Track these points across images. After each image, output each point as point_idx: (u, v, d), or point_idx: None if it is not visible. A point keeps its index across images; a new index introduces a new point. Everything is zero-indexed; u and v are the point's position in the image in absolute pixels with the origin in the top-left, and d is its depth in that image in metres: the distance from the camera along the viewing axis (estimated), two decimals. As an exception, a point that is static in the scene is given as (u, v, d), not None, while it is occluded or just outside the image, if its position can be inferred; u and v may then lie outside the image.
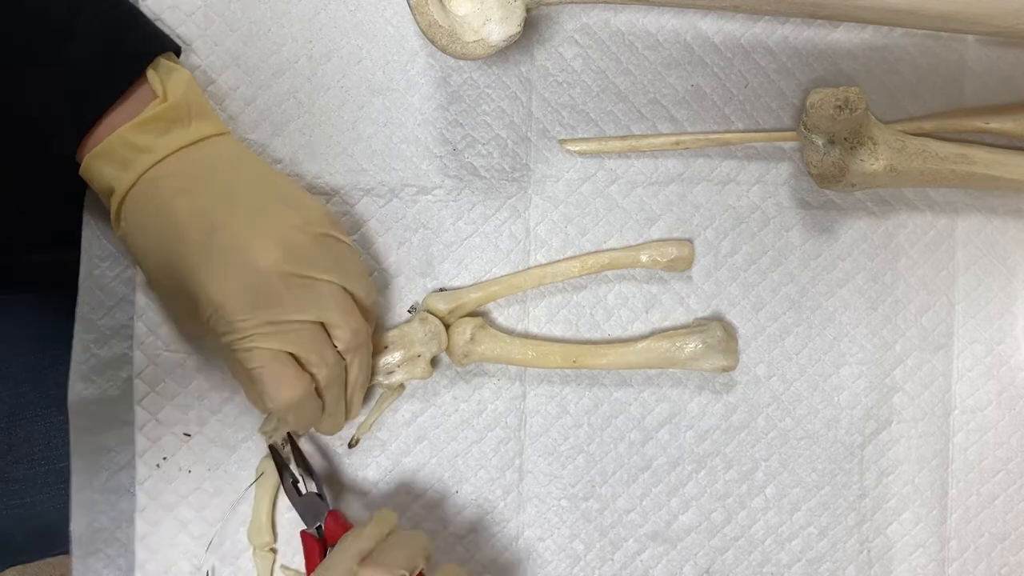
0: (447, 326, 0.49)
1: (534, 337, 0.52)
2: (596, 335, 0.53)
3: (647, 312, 0.53)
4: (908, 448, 0.56)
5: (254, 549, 0.49)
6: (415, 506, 0.51)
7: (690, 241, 0.53)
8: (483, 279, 0.51)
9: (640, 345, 0.51)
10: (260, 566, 0.49)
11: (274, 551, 0.49)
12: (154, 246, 0.42)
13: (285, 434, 0.48)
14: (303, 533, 0.47)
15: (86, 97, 0.41)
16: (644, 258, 0.52)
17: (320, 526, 0.47)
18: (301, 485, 0.47)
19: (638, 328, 0.53)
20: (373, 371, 0.48)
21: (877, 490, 0.56)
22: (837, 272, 0.55)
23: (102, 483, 0.48)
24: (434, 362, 0.50)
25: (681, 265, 0.52)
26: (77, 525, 0.47)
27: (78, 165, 0.42)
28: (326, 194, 0.49)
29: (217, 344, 0.42)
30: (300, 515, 0.47)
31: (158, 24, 0.46)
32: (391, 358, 0.48)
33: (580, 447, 0.53)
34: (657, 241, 0.53)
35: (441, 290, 0.51)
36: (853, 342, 0.55)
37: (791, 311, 0.55)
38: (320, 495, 0.48)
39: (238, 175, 0.43)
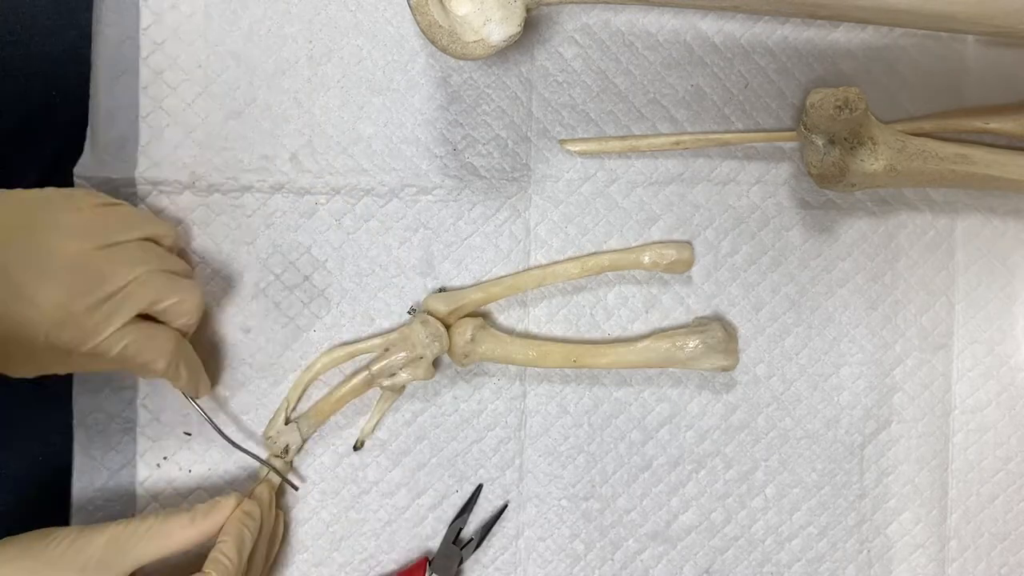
0: (448, 327, 0.49)
1: (534, 337, 0.52)
2: (596, 335, 0.53)
3: (647, 312, 0.53)
4: (908, 448, 0.56)
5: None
6: (415, 506, 0.51)
7: (690, 243, 0.53)
8: (483, 279, 0.51)
9: (640, 345, 0.51)
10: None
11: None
12: None
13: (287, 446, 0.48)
14: None
15: None
16: (646, 259, 0.52)
17: None
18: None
19: (638, 328, 0.53)
20: (377, 374, 0.48)
21: (877, 490, 0.56)
22: (837, 272, 0.55)
23: (102, 483, 0.48)
24: (436, 363, 0.50)
25: (680, 268, 0.52)
26: (77, 524, 0.47)
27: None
28: (326, 194, 0.49)
29: (57, 358, 0.40)
30: None
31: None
32: (393, 360, 0.48)
33: (580, 447, 0.53)
34: (657, 243, 0.53)
35: (441, 290, 0.51)
36: (853, 342, 0.55)
37: (791, 311, 0.55)
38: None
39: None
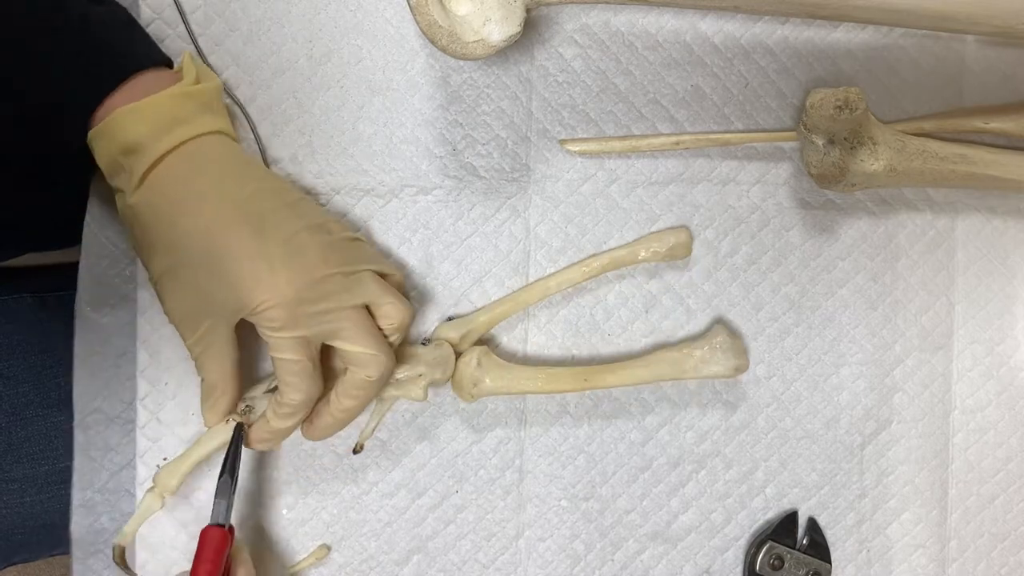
0: (456, 355, 0.49)
1: (540, 363, 0.52)
2: (596, 335, 0.53)
3: (647, 312, 0.53)
4: (908, 448, 0.56)
5: (152, 488, 0.45)
6: (415, 506, 0.51)
7: (686, 227, 0.53)
8: (483, 279, 0.51)
9: (648, 359, 0.51)
10: (144, 506, 0.45)
11: (163, 505, 0.45)
12: (191, 222, 0.40)
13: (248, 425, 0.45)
14: (207, 529, 0.43)
15: (112, 62, 0.40)
16: (643, 253, 0.51)
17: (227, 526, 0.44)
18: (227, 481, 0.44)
19: (638, 328, 0.53)
20: None
21: (877, 490, 0.56)
22: (837, 272, 0.55)
23: (102, 483, 0.48)
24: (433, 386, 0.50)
25: (681, 252, 0.52)
26: (77, 526, 0.47)
27: (78, 157, 0.41)
28: (326, 194, 0.49)
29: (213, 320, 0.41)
30: (216, 505, 0.44)
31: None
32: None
33: (580, 447, 0.53)
34: (653, 233, 0.52)
35: (450, 319, 0.50)
36: (853, 342, 0.55)
37: (791, 311, 0.55)
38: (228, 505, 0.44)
39: (269, 172, 0.45)
